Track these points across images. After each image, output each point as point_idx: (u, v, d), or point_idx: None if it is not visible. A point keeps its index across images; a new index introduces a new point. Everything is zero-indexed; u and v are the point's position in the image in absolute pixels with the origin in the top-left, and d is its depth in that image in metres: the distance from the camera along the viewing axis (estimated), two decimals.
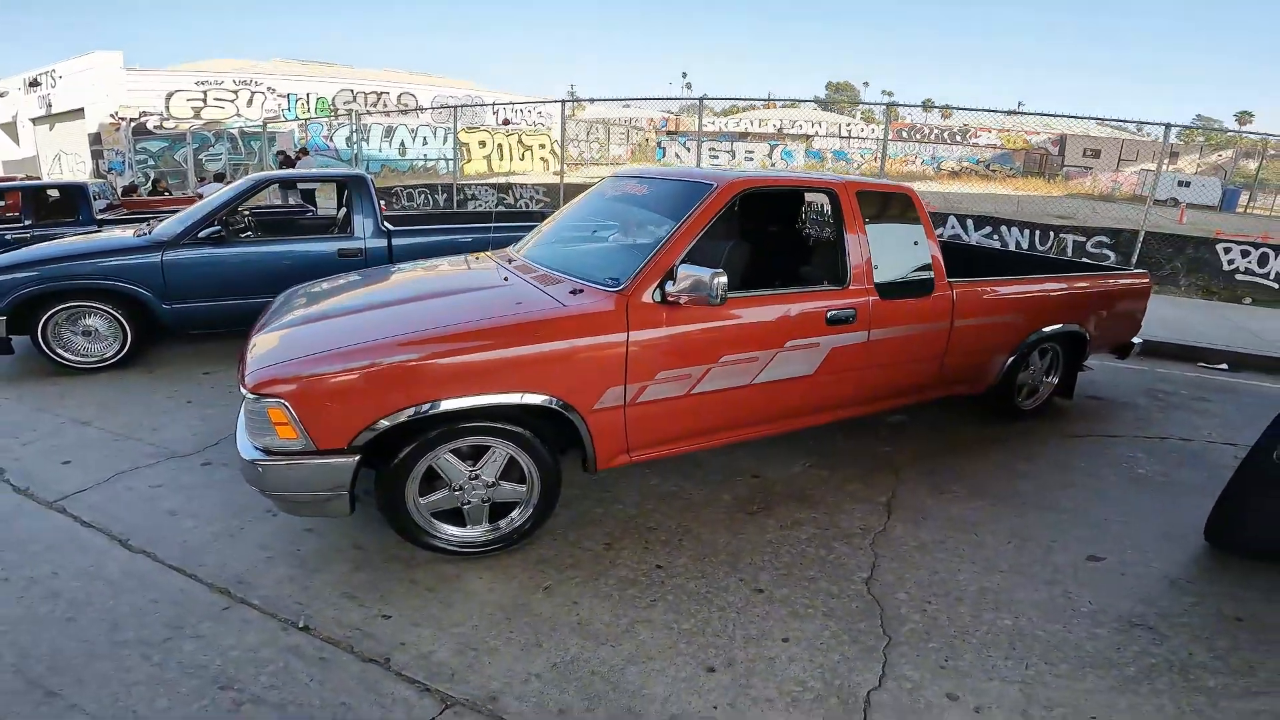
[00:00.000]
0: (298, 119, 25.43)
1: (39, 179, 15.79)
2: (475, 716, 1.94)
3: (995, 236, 10.04)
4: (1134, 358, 4.89)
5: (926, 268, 3.48)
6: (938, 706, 2.03)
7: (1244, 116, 62.72)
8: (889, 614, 2.43)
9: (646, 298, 2.69)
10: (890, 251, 3.35)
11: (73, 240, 5.20)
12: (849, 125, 41.03)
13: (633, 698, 2.02)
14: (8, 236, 6.75)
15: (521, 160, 29.52)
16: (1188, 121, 41.75)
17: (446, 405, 2.38)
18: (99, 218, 7.50)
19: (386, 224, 5.39)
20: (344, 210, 5.73)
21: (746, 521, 3.00)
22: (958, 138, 37.97)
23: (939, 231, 9.56)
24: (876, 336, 3.26)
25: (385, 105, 29.03)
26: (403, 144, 27.17)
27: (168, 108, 25.15)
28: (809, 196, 4.15)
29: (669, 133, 35.41)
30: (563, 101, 12.72)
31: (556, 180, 12.50)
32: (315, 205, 9.71)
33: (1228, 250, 9.13)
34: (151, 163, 23.49)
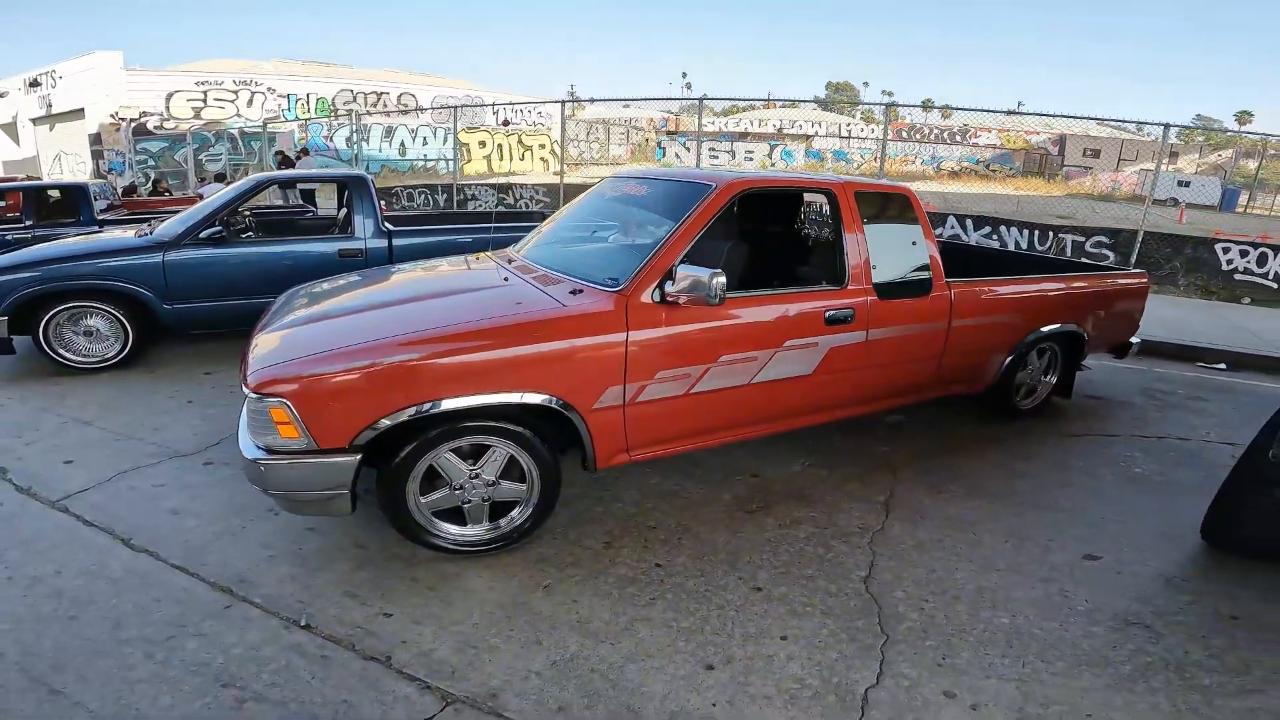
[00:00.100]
0: (298, 119, 25.45)
1: (39, 179, 15.79)
2: (475, 714, 1.95)
3: (994, 236, 10.05)
4: (1132, 357, 4.90)
5: (925, 268, 3.50)
6: (935, 704, 2.04)
7: (1244, 116, 62.68)
8: (887, 612, 2.44)
9: (646, 298, 2.70)
10: (888, 251, 3.37)
11: (74, 241, 5.22)
12: (849, 125, 41.04)
13: (632, 695, 2.03)
14: (9, 237, 6.75)
15: (521, 160, 29.55)
16: (1187, 121, 41.81)
17: (447, 405, 2.40)
18: (100, 218, 7.51)
19: (387, 224, 5.41)
20: (344, 211, 5.74)
21: (745, 520, 3.02)
22: (957, 138, 37.97)
23: (938, 231, 9.58)
24: (875, 336, 3.27)
25: (385, 105, 29.05)
26: (403, 144, 27.18)
27: (168, 108, 25.17)
28: (808, 197, 4.17)
29: (669, 133, 35.43)
30: (563, 101, 12.74)
31: (556, 180, 12.51)
32: (316, 206, 9.72)
33: (1226, 250, 9.14)
34: (152, 163, 23.51)
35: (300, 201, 10.32)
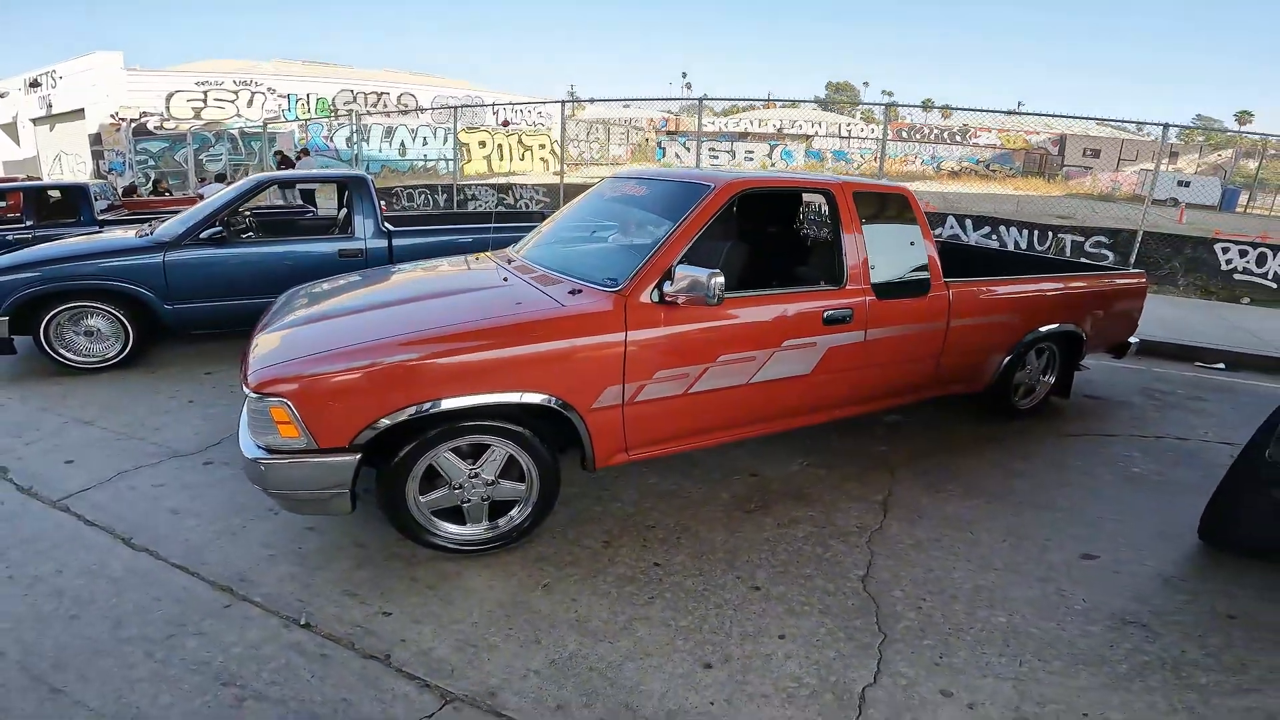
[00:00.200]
0: (298, 119, 25.47)
1: (40, 180, 15.80)
2: (474, 712, 1.96)
3: (994, 236, 10.05)
4: (1131, 357, 4.90)
5: (923, 268, 3.50)
6: (932, 703, 2.05)
7: (1244, 116, 62.64)
8: (884, 611, 2.45)
9: (644, 298, 2.71)
10: (887, 251, 3.38)
11: (75, 241, 5.22)
12: (849, 125, 41.02)
13: (630, 694, 2.04)
14: (9, 237, 6.76)
15: (521, 160, 29.55)
16: (1187, 121, 41.80)
17: (447, 404, 2.41)
18: (100, 218, 7.52)
19: (387, 224, 5.42)
20: (345, 211, 5.75)
21: (744, 520, 3.03)
22: (957, 138, 37.94)
23: (938, 231, 9.59)
24: (873, 336, 3.28)
25: (385, 106, 29.07)
26: (403, 144, 27.20)
27: (168, 108, 25.19)
28: (806, 197, 4.18)
29: (669, 133, 35.43)
30: (563, 102, 12.75)
31: (556, 180, 12.53)
32: (316, 206, 9.73)
33: (1226, 250, 9.15)
34: (152, 163, 23.51)
35: (300, 202, 10.32)
